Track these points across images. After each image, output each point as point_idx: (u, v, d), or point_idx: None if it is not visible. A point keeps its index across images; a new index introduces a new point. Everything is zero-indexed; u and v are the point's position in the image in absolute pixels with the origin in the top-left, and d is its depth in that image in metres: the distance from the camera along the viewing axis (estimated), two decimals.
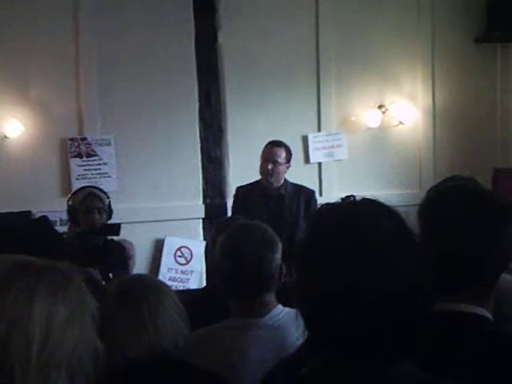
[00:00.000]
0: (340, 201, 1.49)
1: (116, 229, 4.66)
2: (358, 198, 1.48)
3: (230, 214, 5.93)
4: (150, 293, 2.35)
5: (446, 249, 1.91)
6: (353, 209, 1.46)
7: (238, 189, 6.10)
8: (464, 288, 1.91)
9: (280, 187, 5.84)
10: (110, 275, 4.39)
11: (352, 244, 1.38)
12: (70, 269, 1.49)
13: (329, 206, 1.48)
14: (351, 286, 1.35)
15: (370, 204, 1.47)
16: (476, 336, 1.87)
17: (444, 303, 1.89)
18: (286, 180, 5.88)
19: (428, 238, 1.87)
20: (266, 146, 5.87)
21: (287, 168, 5.86)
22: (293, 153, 7.09)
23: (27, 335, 1.36)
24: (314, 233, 1.47)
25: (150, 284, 2.43)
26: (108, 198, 4.89)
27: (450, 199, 2.02)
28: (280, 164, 5.78)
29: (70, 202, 4.82)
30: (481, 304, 1.92)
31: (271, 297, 2.61)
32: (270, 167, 5.73)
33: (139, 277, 2.64)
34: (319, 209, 1.48)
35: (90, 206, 4.73)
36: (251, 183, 6.00)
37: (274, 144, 5.87)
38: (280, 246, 2.64)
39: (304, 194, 5.90)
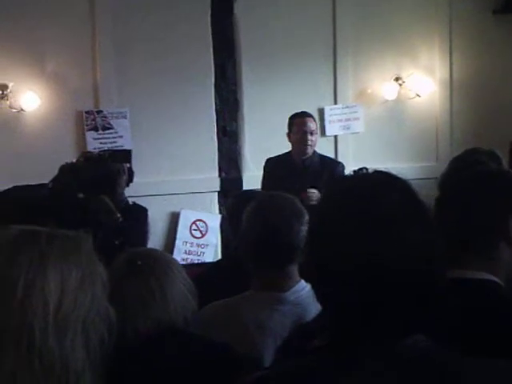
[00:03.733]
0: (352, 173, 1.48)
1: (126, 155, 4.66)
2: (370, 171, 1.47)
3: (260, 186, 5.93)
4: (159, 266, 2.36)
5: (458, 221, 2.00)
6: (363, 181, 1.46)
7: (267, 160, 6.10)
8: (473, 256, 1.99)
9: (307, 159, 5.86)
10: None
11: (361, 217, 1.37)
12: (79, 235, 1.51)
13: (339, 179, 1.47)
14: (361, 259, 1.34)
15: (380, 176, 1.46)
16: (491, 300, 1.93)
17: (454, 270, 1.95)
18: (314, 151, 5.92)
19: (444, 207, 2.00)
20: (298, 117, 5.91)
21: None
22: None
23: (44, 297, 1.40)
24: (323, 206, 1.47)
25: (159, 258, 2.44)
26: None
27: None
28: (316, 134, 5.92)
29: None
30: (492, 272, 1.98)
31: (295, 270, 2.59)
32: (310, 138, 5.78)
33: (148, 250, 2.65)
34: (330, 182, 1.47)
35: None
36: (280, 155, 6.02)
37: (307, 115, 5.94)
38: (307, 218, 2.63)
39: (328, 166, 5.90)
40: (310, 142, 5.78)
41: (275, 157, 6.05)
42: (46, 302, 1.39)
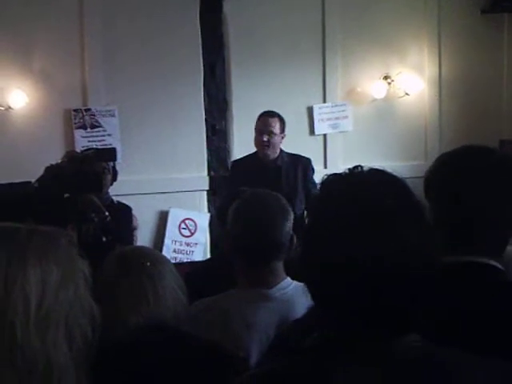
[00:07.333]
0: (347, 171, 1.47)
1: (111, 153, 4.64)
2: (365, 169, 1.46)
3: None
4: (150, 263, 2.36)
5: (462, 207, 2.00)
6: (359, 179, 1.44)
7: (234, 163, 6.10)
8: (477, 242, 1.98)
9: (276, 158, 5.82)
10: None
11: (357, 215, 1.36)
12: (59, 231, 1.50)
13: (335, 177, 1.46)
14: (357, 257, 1.33)
15: (376, 174, 1.45)
16: (490, 285, 1.93)
17: (457, 256, 1.95)
18: (281, 150, 5.88)
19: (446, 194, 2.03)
20: (260, 117, 5.84)
21: (282, 138, 5.85)
22: (298, 124, 7.07)
23: (25, 294, 1.38)
24: (319, 204, 1.46)
25: (149, 254, 2.43)
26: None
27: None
28: (275, 135, 5.76)
29: None
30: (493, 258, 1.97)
31: (280, 266, 2.59)
32: (265, 139, 5.71)
33: (138, 248, 2.64)
34: (325, 179, 1.46)
35: None
36: (247, 156, 6.00)
37: (268, 115, 5.83)
38: (292, 215, 2.63)
39: (301, 163, 5.89)
40: (265, 143, 5.72)
41: (242, 158, 6.07)
42: (26, 299, 1.38)
